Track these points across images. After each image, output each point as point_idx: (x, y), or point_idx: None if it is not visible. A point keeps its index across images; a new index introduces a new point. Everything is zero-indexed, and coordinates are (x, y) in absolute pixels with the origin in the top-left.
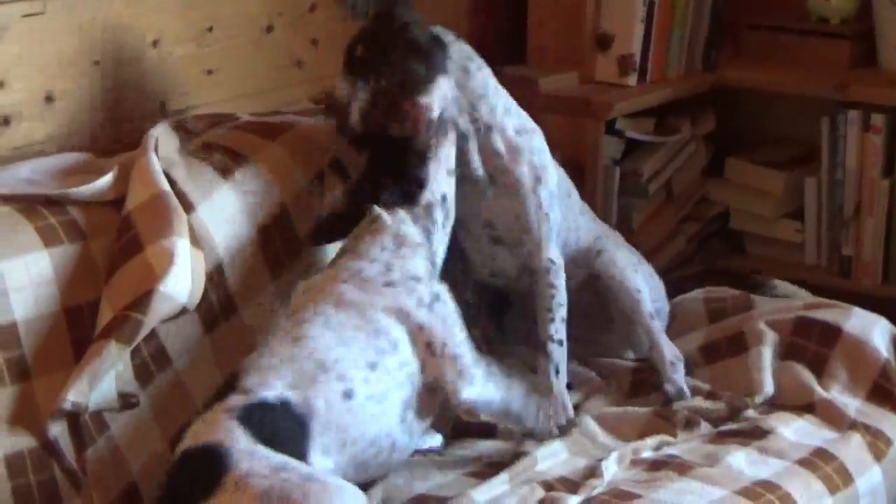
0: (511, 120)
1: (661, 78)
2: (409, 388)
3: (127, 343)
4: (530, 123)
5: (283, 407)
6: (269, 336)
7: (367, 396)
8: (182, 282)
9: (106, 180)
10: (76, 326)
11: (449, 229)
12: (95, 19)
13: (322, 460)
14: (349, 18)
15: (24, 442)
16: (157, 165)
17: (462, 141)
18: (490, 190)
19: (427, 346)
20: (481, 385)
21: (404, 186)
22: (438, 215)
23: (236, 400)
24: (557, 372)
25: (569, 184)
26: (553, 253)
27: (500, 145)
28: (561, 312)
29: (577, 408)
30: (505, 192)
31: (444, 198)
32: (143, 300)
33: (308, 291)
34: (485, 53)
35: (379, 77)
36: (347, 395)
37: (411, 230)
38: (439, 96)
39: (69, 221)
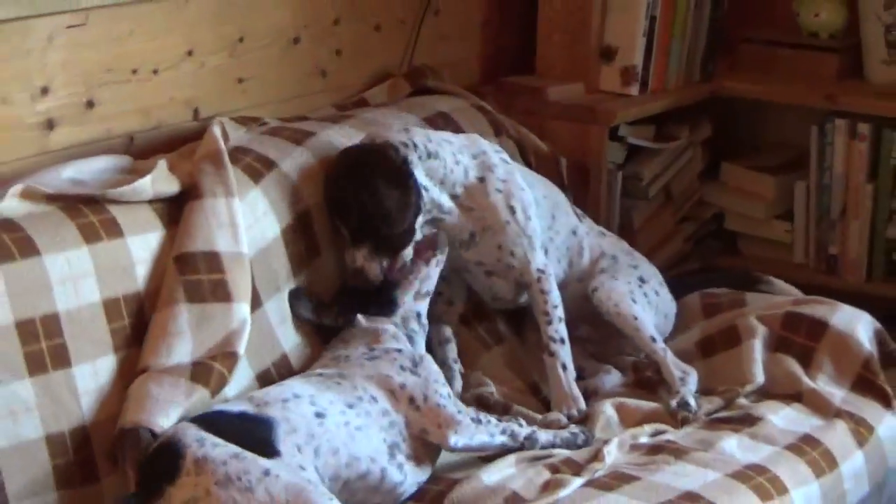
0: (472, 172)
1: (661, 88)
2: (395, 434)
3: (213, 393)
4: (489, 158)
5: (241, 415)
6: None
7: (343, 423)
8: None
9: (144, 182)
10: (114, 318)
11: (425, 335)
12: (133, 31)
13: (294, 453)
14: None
15: (63, 424)
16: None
17: (445, 215)
18: (475, 241)
19: (410, 402)
20: (470, 430)
21: (380, 305)
22: (416, 327)
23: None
24: (564, 368)
25: (551, 205)
26: (540, 263)
27: (469, 196)
28: (557, 313)
29: (594, 395)
30: (487, 232)
31: (418, 315)
32: (229, 359)
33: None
34: (496, 64)
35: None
36: (319, 414)
37: (390, 327)
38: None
39: (109, 220)
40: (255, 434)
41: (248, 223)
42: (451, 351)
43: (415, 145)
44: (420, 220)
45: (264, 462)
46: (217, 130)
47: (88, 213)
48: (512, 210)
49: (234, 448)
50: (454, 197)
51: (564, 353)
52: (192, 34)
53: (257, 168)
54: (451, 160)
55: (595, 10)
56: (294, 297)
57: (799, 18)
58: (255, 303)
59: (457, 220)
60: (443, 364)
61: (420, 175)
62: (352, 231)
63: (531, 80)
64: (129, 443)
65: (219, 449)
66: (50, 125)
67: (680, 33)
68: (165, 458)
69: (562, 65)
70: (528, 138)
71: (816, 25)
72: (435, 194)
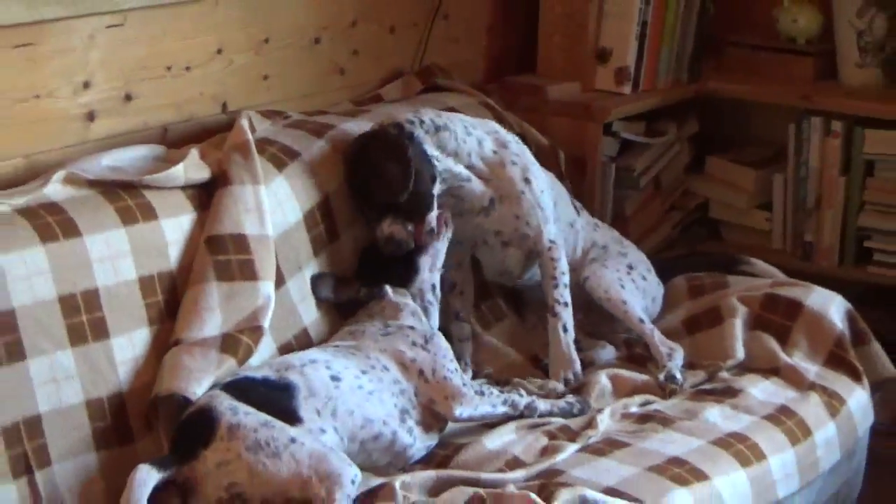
0: (487, 144)
1: (651, 87)
2: (405, 401)
3: (240, 363)
4: (502, 136)
5: (265, 381)
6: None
7: (356, 386)
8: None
9: (177, 170)
10: (149, 294)
11: (439, 307)
12: (168, 31)
13: (315, 418)
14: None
15: (102, 391)
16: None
17: (464, 182)
18: (494, 208)
19: (420, 374)
20: (473, 402)
21: (403, 274)
22: (431, 299)
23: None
24: (565, 329)
25: (557, 194)
26: (552, 234)
27: (487, 166)
28: (564, 280)
29: (591, 366)
30: (505, 201)
31: (433, 287)
32: (255, 332)
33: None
34: (500, 64)
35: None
36: (334, 378)
37: (409, 301)
38: (435, 207)
39: (145, 204)
40: (279, 402)
41: (272, 208)
42: (467, 350)
43: (421, 121)
44: (437, 186)
45: (291, 430)
46: (245, 123)
47: (126, 197)
48: (527, 182)
49: (263, 416)
50: (470, 167)
51: (567, 315)
52: (221, 34)
53: (281, 157)
54: (461, 131)
55: (592, 16)
56: (316, 280)
57: (778, 24)
58: (279, 281)
59: (476, 188)
60: (459, 359)
61: (429, 147)
62: (371, 206)
63: (532, 79)
64: (163, 409)
65: (250, 417)
66: (91, 117)
67: (669, 37)
68: (201, 423)
69: (561, 65)
70: (529, 132)
71: (794, 31)
72: (448, 164)
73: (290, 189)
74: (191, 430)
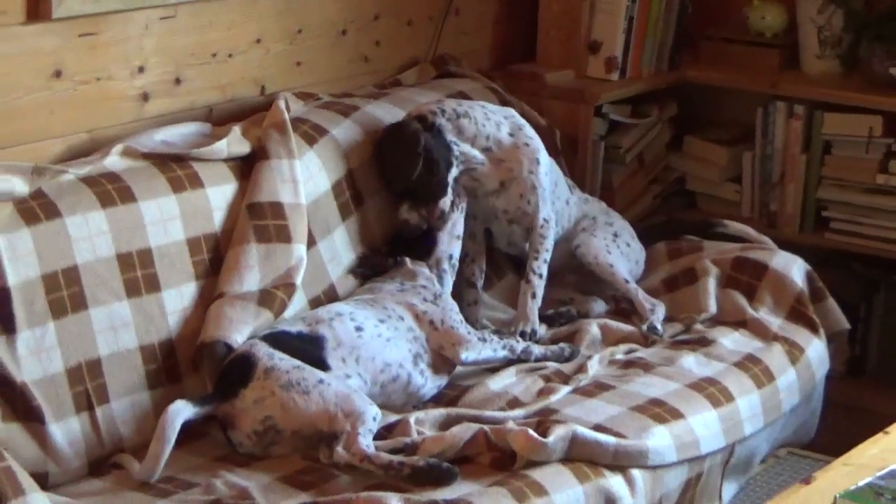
0: (504, 127)
1: (636, 75)
2: (418, 346)
3: (276, 316)
4: (518, 120)
5: (299, 334)
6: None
7: (377, 335)
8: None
9: (221, 144)
10: (196, 253)
11: (453, 277)
12: (213, 22)
13: (341, 365)
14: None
15: (154, 337)
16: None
17: (478, 165)
18: (505, 190)
19: (430, 324)
20: (477, 347)
21: (421, 249)
22: (446, 267)
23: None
24: (533, 296)
25: (556, 175)
26: (546, 214)
27: (501, 149)
28: (545, 255)
29: (586, 316)
30: (513, 183)
31: (450, 256)
32: (289, 288)
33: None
34: (504, 54)
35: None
36: (358, 328)
37: (424, 269)
38: (450, 189)
39: (192, 174)
40: (310, 353)
41: (304, 179)
42: (477, 312)
43: (443, 111)
44: (454, 171)
45: (319, 373)
46: (282, 104)
47: (176, 168)
48: (536, 163)
49: (295, 361)
50: (486, 150)
51: (538, 285)
52: (260, 26)
53: (312, 135)
54: (481, 116)
55: (584, 12)
56: (356, 262)
57: (748, 20)
58: (310, 243)
59: (488, 170)
60: (474, 322)
61: (449, 134)
62: (391, 190)
63: (532, 67)
64: (207, 353)
65: (283, 361)
66: (145, 97)
67: (652, 31)
68: (241, 366)
69: (557, 55)
70: (529, 114)
71: (762, 26)
72: (465, 148)
73: (320, 162)
74: (232, 372)
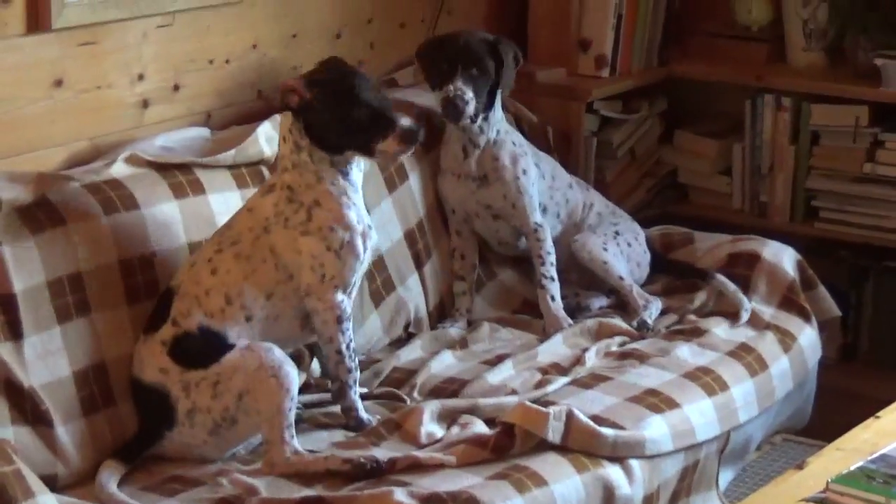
0: (502, 125)
1: (626, 71)
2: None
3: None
4: (510, 126)
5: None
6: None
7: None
8: None
9: (229, 154)
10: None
11: None
12: (210, 29)
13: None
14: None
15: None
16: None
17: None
18: (487, 183)
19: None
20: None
21: None
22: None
23: (167, 332)
24: (553, 299)
25: (552, 168)
26: (536, 218)
27: (490, 148)
28: (549, 258)
29: (587, 310)
30: (496, 182)
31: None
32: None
33: None
34: None
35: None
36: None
37: None
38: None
39: (194, 180)
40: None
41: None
42: (464, 303)
43: None
44: (499, 98)
45: None
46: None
47: (178, 174)
48: (521, 171)
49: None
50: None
51: (553, 287)
52: (256, 31)
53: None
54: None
55: (574, 10)
56: None
57: (735, 15)
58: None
59: (485, 155)
60: (458, 310)
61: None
62: (447, 60)
63: (524, 65)
64: None
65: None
66: (145, 104)
67: (641, 28)
68: (157, 403)
69: (548, 53)
70: (522, 111)
71: (749, 20)
72: (499, 115)
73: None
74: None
